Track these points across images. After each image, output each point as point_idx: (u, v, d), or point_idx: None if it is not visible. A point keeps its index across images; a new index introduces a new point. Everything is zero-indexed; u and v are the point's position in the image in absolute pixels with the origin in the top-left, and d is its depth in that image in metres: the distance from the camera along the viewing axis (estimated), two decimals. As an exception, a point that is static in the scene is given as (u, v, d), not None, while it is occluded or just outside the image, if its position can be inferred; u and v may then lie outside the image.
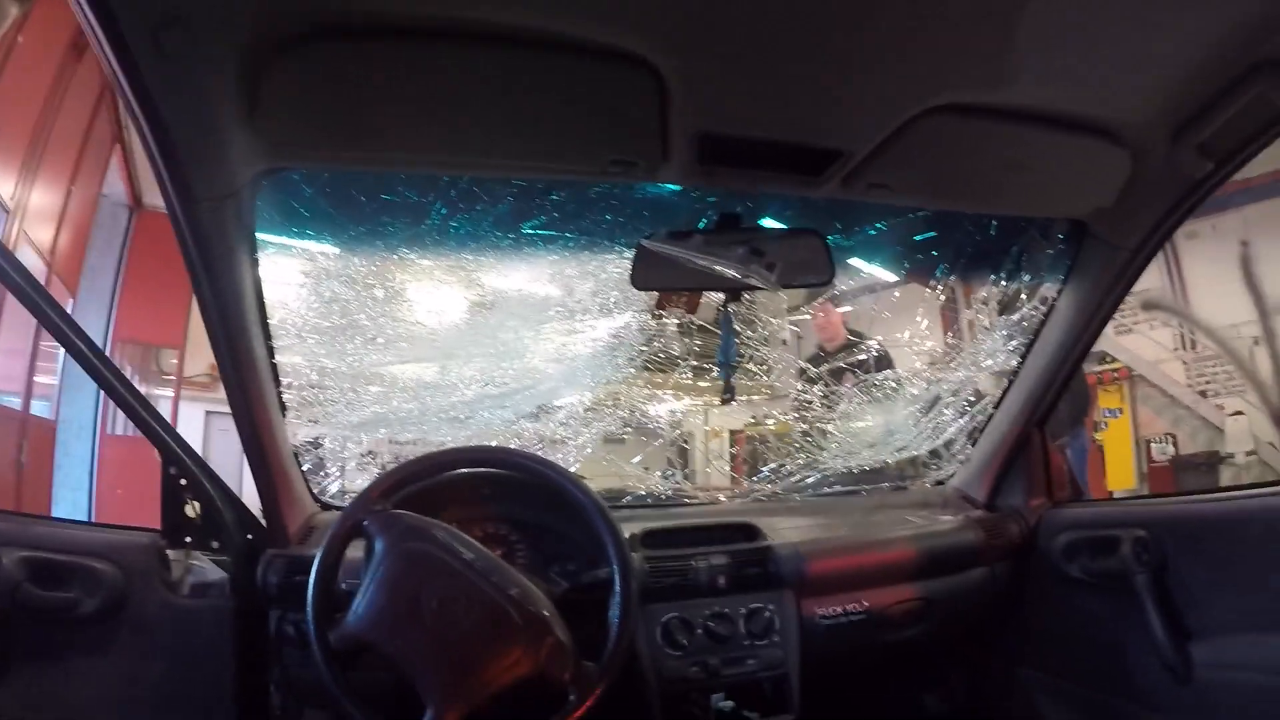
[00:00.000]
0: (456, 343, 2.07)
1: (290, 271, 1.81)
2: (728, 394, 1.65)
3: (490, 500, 1.55)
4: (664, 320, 2.18)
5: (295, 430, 1.68)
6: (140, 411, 1.48)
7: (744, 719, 1.56)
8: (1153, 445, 8.28)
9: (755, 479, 2.23)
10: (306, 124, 1.14)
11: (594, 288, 2.02)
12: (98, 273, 6.57)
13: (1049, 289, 1.88)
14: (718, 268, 1.37)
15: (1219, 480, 7.66)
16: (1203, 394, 8.29)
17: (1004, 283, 2.06)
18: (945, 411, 2.21)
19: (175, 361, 7.16)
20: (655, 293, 1.66)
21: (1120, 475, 8.25)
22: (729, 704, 1.56)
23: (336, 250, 1.81)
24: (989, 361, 2.11)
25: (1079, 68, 1.17)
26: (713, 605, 1.58)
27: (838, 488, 2.31)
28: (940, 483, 2.21)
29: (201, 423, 6.86)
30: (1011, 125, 1.26)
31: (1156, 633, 1.57)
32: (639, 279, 1.48)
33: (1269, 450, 7.75)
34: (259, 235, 1.35)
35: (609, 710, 1.30)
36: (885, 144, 1.27)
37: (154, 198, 6.53)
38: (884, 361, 2.87)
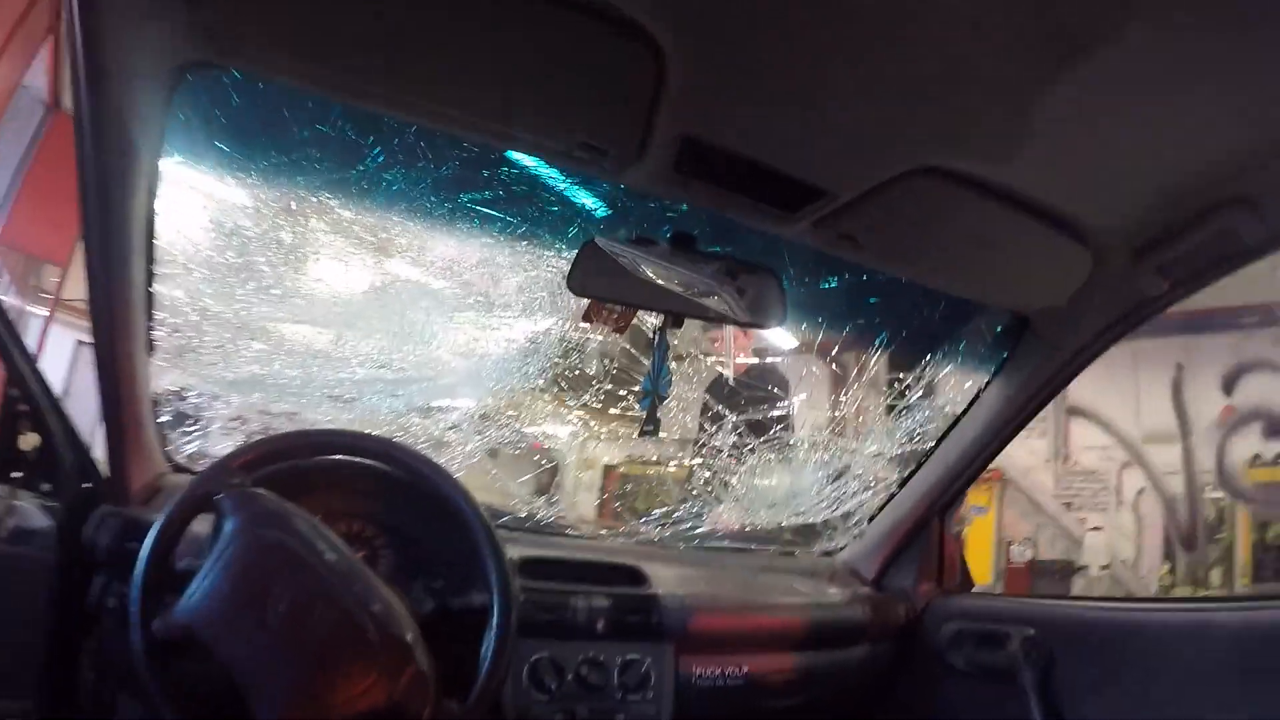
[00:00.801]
0: (359, 312, 1.83)
1: (191, 189, 1.56)
2: (650, 425, 1.53)
3: (359, 495, 1.36)
4: (587, 335, 2.04)
5: (158, 375, 1.46)
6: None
7: None
8: (1013, 547, 8.58)
9: (644, 520, 2.12)
10: (253, 18, 0.99)
11: (522, 282, 1.82)
12: (-3, 164, 5.96)
13: (974, 379, 1.87)
14: (678, 287, 1.25)
15: (1070, 588, 8.02)
16: (1067, 505, 8.70)
17: (935, 364, 2.04)
18: (851, 483, 2.15)
19: (56, 281, 6.57)
20: (585, 302, 1.51)
21: (979, 570, 8.44)
22: None
23: (250, 177, 1.56)
24: (900, 442, 2.07)
25: (1068, 161, 1.17)
26: (588, 650, 1.46)
27: (725, 543, 2.23)
28: (829, 553, 2.15)
29: (70, 353, 6.28)
30: (991, 202, 1.24)
31: None
32: (577, 282, 1.33)
33: (1121, 568, 8.18)
34: (167, 140, 1.17)
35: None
36: (869, 194, 1.21)
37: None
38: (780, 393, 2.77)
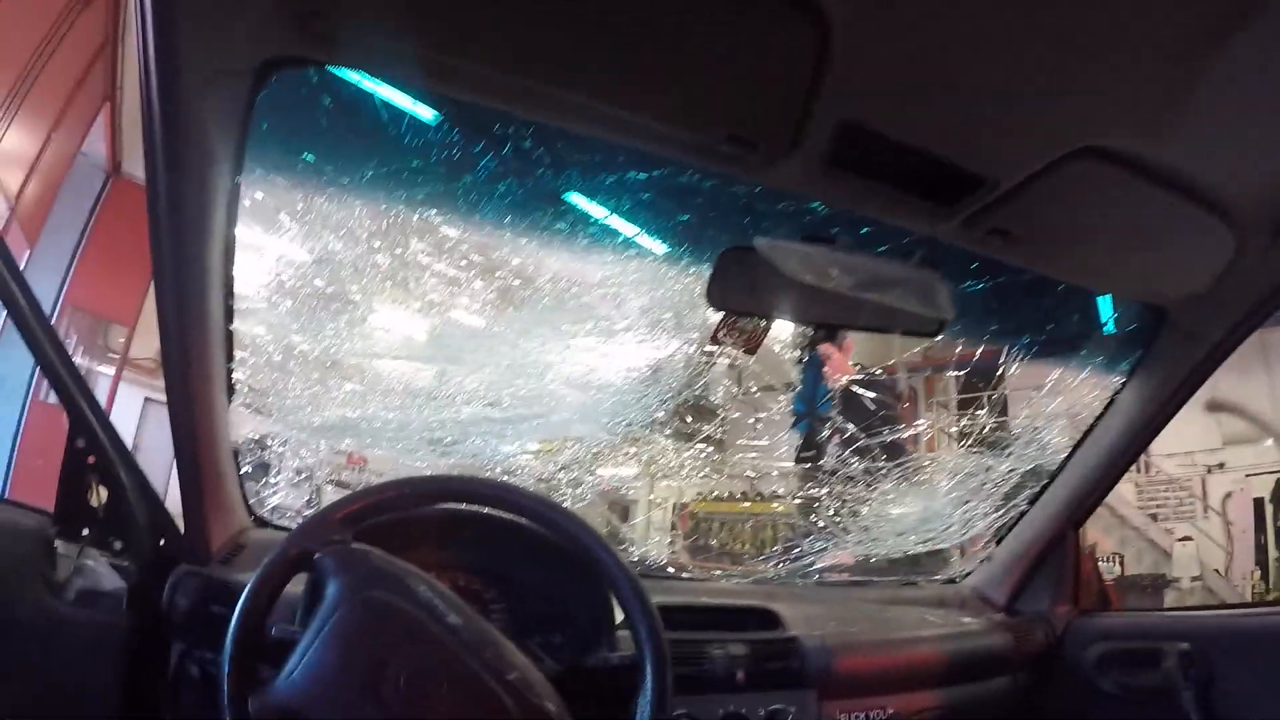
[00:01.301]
0: (465, 344, 1.67)
1: (275, 207, 1.39)
2: (809, 451, 1.41)
3: (464, 546, 1.24)
4: (715, 356, 1.90)
5: (239, 421, 1.34)
6: (57, 367, 1.17)
7: None
8: (1099, 564, 8.27)
9: (762, 557, 2.00)
10: (360, 3, 0.90)
11: (647, 303, 1.69)
12: (61, 231, 6.04)
13: (1109, 383, 1.75)
14: (830, 294, 1.14)
15: (1162, 602, 7.67)
16: (1153, 517, 8.37)
17: (1068, 371, 1.92)
18: (984, 504, 2.01)
19: (122, 340, 6.70)
20: (712, 321, 1.41)
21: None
22: None
23: (342, 192, 1.40)
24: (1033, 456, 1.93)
25: (1223, 133, 1.09)
26: (728, 703, 1.33)
27: (846, 576, 2.11)
28: (952, 580, 2.02)
29: (138, 410, 6.36)
30: (1143, 182, 1.15)
31: None
32: (716, 295, 1.22)
33: (1214, 577, 7.82)
34: (248, 150, 1.05)
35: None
36: (1030, 180, 1.12)
37: (134, 166, 6.13)
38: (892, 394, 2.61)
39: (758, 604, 1.55)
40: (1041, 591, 1.85)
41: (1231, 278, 1.41)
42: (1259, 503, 8.09)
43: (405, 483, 1.08)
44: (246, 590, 0.95)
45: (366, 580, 0.93)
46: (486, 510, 1.22)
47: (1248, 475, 8.32)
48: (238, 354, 1.28)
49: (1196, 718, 1.48)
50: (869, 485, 2.20)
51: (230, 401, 1.29)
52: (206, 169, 1.03)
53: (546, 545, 1.20)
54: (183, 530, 1.27)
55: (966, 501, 2.05)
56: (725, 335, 1.42)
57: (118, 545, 1.23)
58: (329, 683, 0.89)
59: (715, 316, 1.35)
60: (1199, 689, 1.50)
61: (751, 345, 1.46)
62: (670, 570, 1.89)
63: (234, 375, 1.28)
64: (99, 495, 1.22)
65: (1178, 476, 8.42)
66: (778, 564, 1.99)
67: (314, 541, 0.96)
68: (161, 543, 1.26)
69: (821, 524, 2.13)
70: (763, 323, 1.37)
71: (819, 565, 2.05)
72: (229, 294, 1.19)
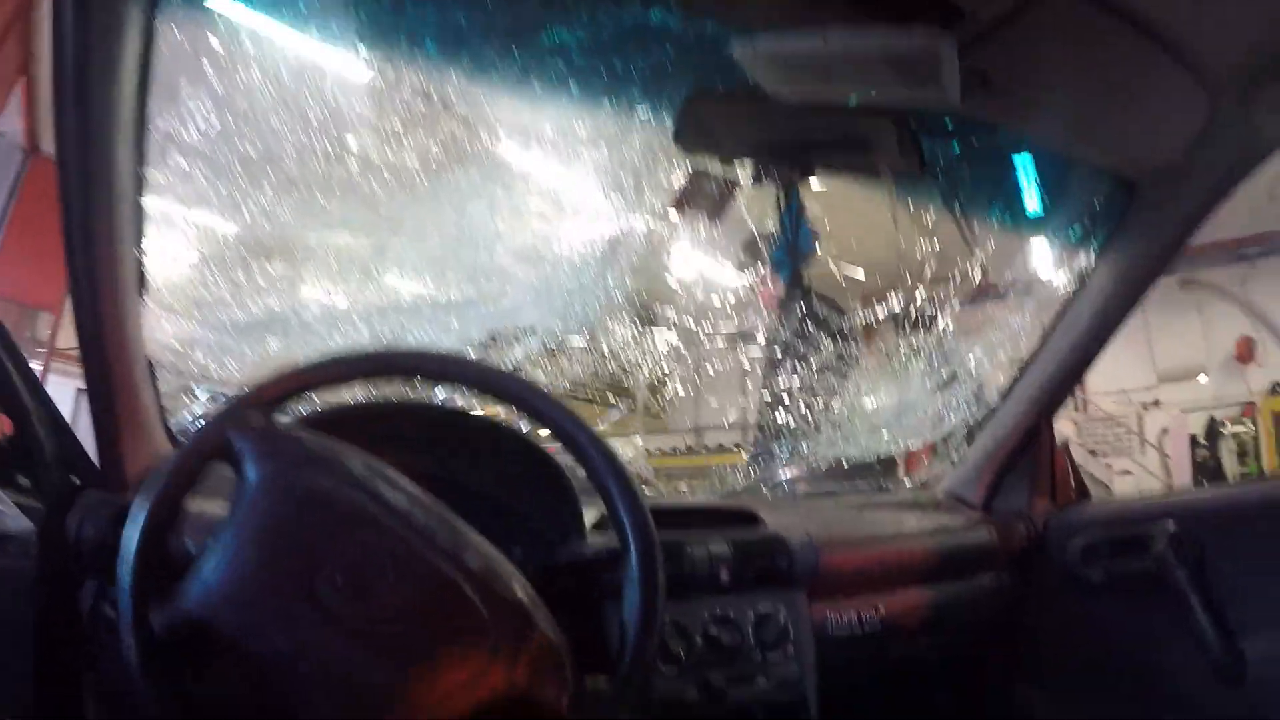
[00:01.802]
0: (408, 209, 1.46)
1: (191, 44, 1.16)
2: (796, 289, 1.30)
3: (421, 450, 1.01)
4: (677, 225, 1.74)
5: (152, 323, 1.13)
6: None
7: None
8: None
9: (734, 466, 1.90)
10: None
11: (604, 161, 1.49)
12: (-22, 214, 5.63)
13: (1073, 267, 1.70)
14: (811, 131, 1.02)
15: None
16: (1092, 453, 8.59)
17: (1035, 253, 1.85)
18: (961, 390, 1.94)
19: (50, 331, 6.29)
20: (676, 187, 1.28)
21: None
22: None
23: (265, 33, 1.20)
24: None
25: None
26: (714, 606, 1.23)
27: (818, 488, 2.03)
28: (926, 485, 1.96)
29: (71, 401, 5.96)
30: (1122, 26, 1.11)
31: (1205, 631, 1.42)
32: (687, 136, 1.09)
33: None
34: None
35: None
36: (1009, 16, 1.07)
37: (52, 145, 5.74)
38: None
39: (737, 505, 1.45)
40: (1018, 489, 1.79)
41: (1201, 148, 1.39)
42: (1193, 438, 8.37)
43: (337, 359, 0.92)
44: (148, 493, 0.77)
45: (294, 463, 0.77)
46: (434, 402, 1.09)
47: (1182, 411, 8.60)
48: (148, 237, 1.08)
49: (1192, 594, 1.43)
50: (841, 374, 2.11)
51: (143, 297, 1.10)
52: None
53: (503, 442, 1.08)
54: (98, 461, 1.09)
55: (942, 389, 1.98)
56: (690, 200, 1.30)
57: (25, 483, 1.07)
58: (250, 583, 0.71)
59: (678, 180, 1.22)
60: (1191, 567, 1.45)
61: (717, 209, 1.34)
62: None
63: (144, 265, 1.09)
64: (1, 428, 1.07)
65: (1115, 414, 8.65)
66: (749, 473, 1.89)
67: (229, 426, 0.78)
68: (74, 477, 1.08)
69: (792, 423, 2.03)
70: (727, 185, 1.26)
71: (790, 473, 1.96)
72: (140, 158, 1.02)
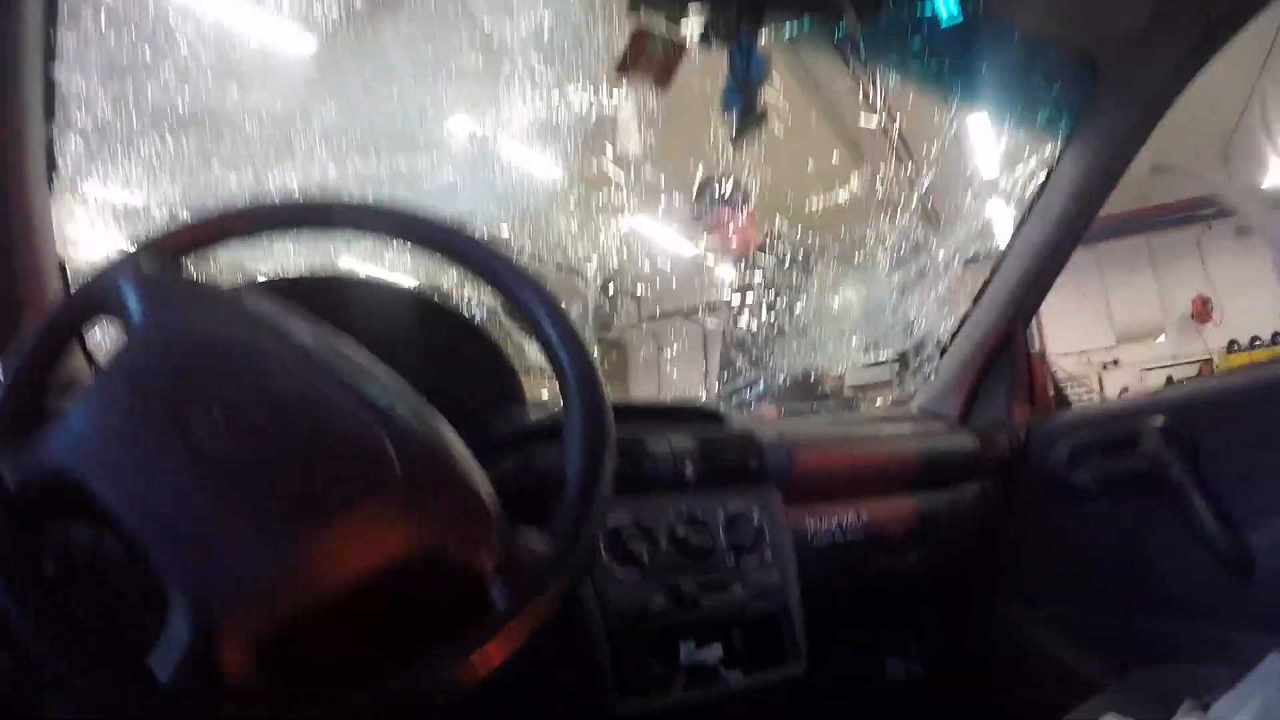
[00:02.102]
0: (331, 69, 1.29)
1: None
2: (749, 118, 1.19)
3: (348, 326, 0.79)
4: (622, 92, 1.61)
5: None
6: None
7: (726, 677, 1.08)
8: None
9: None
10: None
11: (543, 21, 1.31)
12: None
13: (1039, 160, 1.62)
14: None
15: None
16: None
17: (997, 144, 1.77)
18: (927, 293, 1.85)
19: None
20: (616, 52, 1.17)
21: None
22: (710, 653, 1.06)
23: None
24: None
25: None
26: (680, 504, 1.12)
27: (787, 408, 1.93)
28: (900, 404, 1.88)
29: None
30: None
31: (1207, 525, 1.33)
32: None
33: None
34: None
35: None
36: None
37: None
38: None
39: (702, 405, 1.35)
40: (995, 400, 1.72)
41: (1162, 16, 1.32)
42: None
43: (254, 208, 0.77)
44: (18, 345, 0.65)
45: (185, 305, 0.66)
46: (366, 277, 0.97)
47: (1142, 370, 8.68)
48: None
49: (1190, 488, 1.35)
50: (805, 270, 2.00)
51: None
52: None
53: (436, 316, 0.98)
54: None
55: (912, 288, 1.89)
56: (634, 64, 1.18)
57: None
58: (115, 427, 0.60)
59: (621, 42, 1.11)
60: (1187, 461, 1.37)
61: (664, 74, 1.23)
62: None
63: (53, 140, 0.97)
64: None
65: (1076, 374, 8.69)
66: (716, 384, 1.78)
67: (118, 271, 0.66)
68: None
69: (757, 329, 1.93)
70: (676, 45, 1.15)
71: (756, 391, 1.86)
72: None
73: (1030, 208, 1.63)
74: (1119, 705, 1.10)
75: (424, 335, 0.94)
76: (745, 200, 2.50)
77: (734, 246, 2.54)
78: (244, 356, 0.63)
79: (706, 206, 2.52)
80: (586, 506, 0.67)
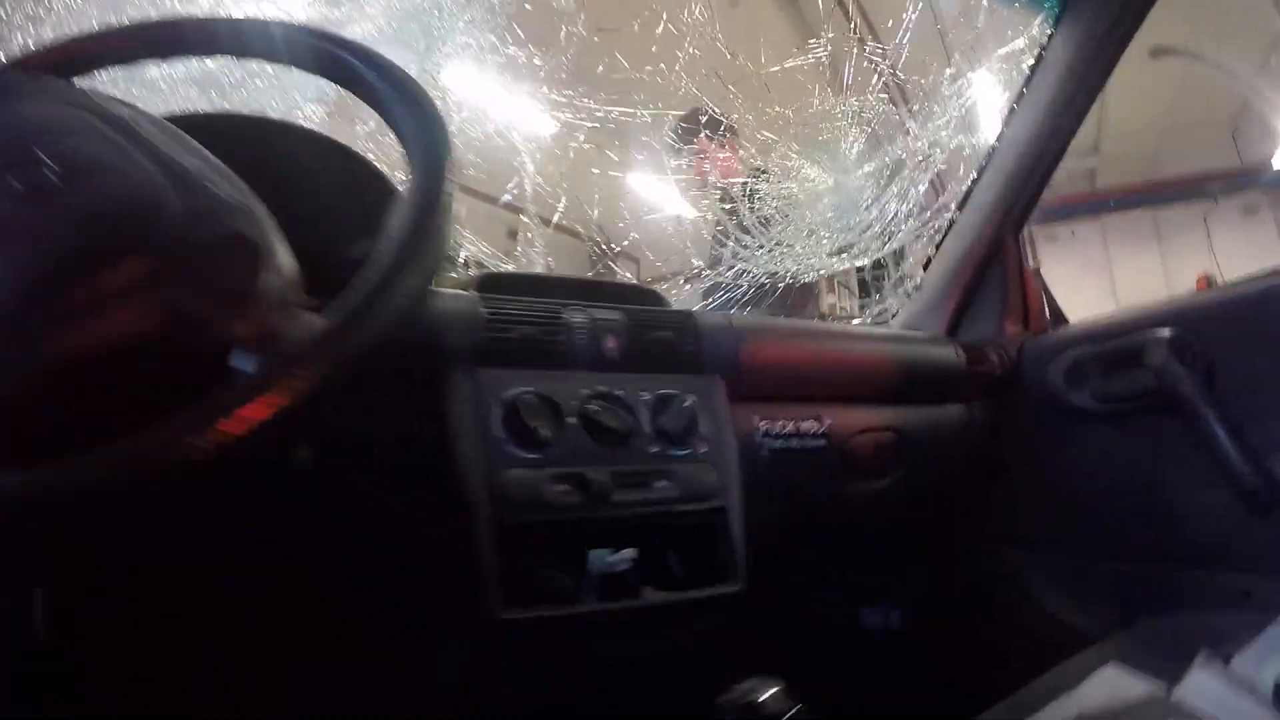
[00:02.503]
0: None
1: None
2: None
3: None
4: None
5: None
6: None
7: (643, 590, 0.91)
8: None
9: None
10: None
11: None
12: None
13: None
14: None
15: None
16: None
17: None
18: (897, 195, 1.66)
19: None
20: None
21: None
22: (623, 557, 0.89)
23: None
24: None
25: None
26: (595, 382, 0.95)
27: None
28: (880, 322, 1.69)
29: None
30: None
31: (1226, 451, 1.14)
32: None
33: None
34: None
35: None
36: None
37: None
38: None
39: (641, 285, 1.17)
40: (985, 316, 1.54)
41: None
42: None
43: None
44: None
45: (18, 95, 0.58)
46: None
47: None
48: None
49: (1205, 408, 1.16)
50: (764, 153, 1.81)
51: None
52: None
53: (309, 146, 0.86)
54: None
55: (888, 183, 1.69)
56: None
57: None
58: None
59: None
60: (1200, 377, 1.18)
61: None
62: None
63: None
64: None
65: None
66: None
67: None
68: None
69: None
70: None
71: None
72: None
73: (1019, 95, 1.45)
74: (1123, 655, 0.92)
75: (309, 170, 0.82)
76: (731, 132, 2.35)
77: (716, 179, 2.41)
78: (57, 127, 0.55)
79: (686, 138, 2.36)
80: (388, 278, 0.53)
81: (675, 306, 1.11)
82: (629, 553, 0.88)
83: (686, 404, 0.98)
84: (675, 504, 0.93)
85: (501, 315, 0.94)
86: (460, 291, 0.97)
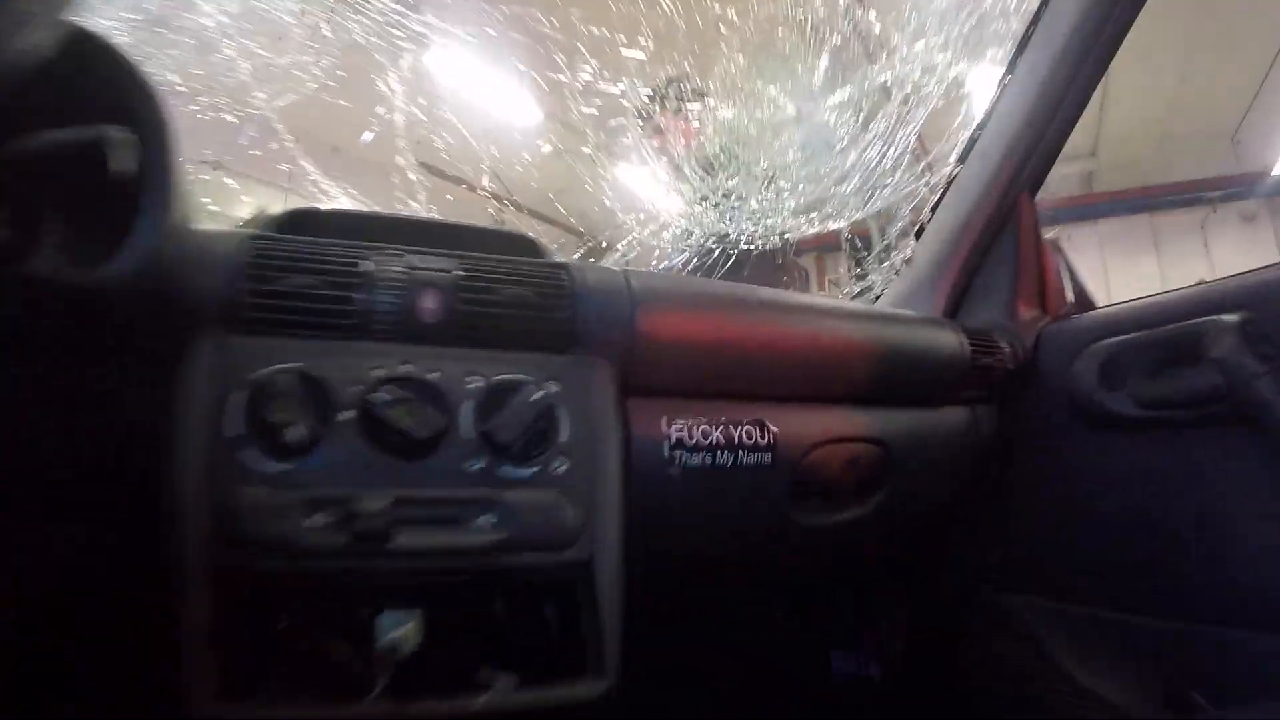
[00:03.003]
0: None
1: None
2: None
3: None
4: None
5: None
6: None
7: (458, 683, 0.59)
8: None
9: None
10: None
11: None
12: None
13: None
14: None
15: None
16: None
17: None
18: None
19: None
20: None
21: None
22: (401, 636, 0.57)
23: None
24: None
25: None
26: (400, 360, 0.62)
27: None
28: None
29: None
30: None
31: None
32: None
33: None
34: None
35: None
36: None
37: None
38: None
39: (515, 231, 0.82)
40: (991, 297, 1.19)
41: None
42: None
43: None
44: None
45: None
46: None
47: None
48: None
49: None
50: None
51: None
52: None
53: None
54: None
55: (867, 117, 1.33)
56: None
57: None
58: None
59: None
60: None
61: None
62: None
63: None
64: None
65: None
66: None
67: None
68: None
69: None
70: None
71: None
72: None
73: (1033, 22, 1.11)
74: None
75: None
76: (695, 96, 2.08)
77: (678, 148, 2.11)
78: None
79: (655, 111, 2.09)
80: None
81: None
82: (411, 631, 0.54)
83: (537, 397, 0.63)
84: (503, 554, 0.59)
85: (270, 259, 0.60)
86: (229, 230, 0.64)
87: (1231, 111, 7.30)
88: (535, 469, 0.62)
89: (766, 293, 0.88)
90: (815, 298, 0.92)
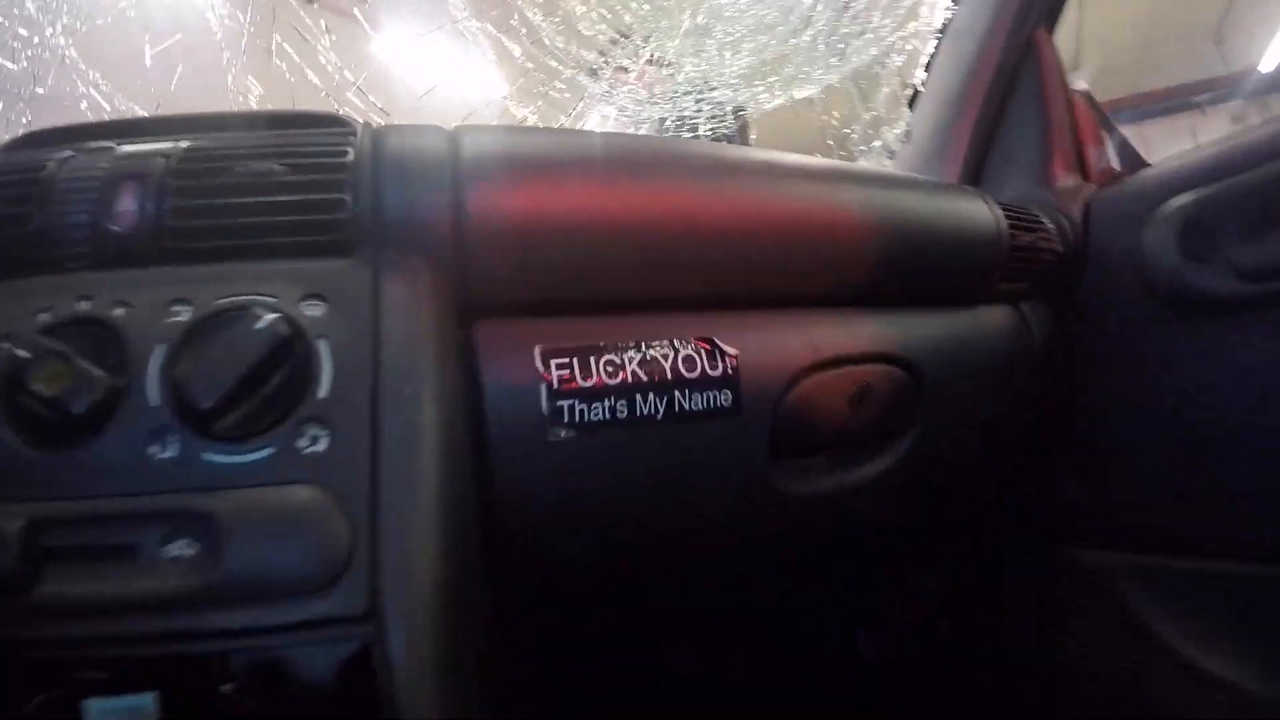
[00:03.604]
0: None
1: None
2: None
3: None
4: None
5: None
6: None
7: None
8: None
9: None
10: None
11: None
12: None
13: None
14: None
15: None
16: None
17: None
18: None
19: None
20: None
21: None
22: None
23: None
24: None
25: None
26: (67, 297, 0.36)
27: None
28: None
29: None
30: None
31: None
32: None
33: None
34: None
35: None
36: None
37: None
38: None
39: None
40: (1016, 164, 0.91)
41: None
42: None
43: None
44: None
45: None
46: None
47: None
48: None
49: None
50: None
51: None
52: None
53: None
54: None
55: None
56: None
57: None
58: None
59: None
60: None
61: None
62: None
63: None
64: None
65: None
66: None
67: None
68: None
69: None
70: None
71: None
72: None
73: None
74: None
75: None
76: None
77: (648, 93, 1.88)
78: None
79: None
80: None
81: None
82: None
83: (264, 325, 0.36)
84: (208, 609, 0.33)
85: None
86: None
87: (1214, 6, 7.09)
88: (266, 450, 0.34)
89: (706, 146, 0.59)
90: (784, 155, 0.61)
